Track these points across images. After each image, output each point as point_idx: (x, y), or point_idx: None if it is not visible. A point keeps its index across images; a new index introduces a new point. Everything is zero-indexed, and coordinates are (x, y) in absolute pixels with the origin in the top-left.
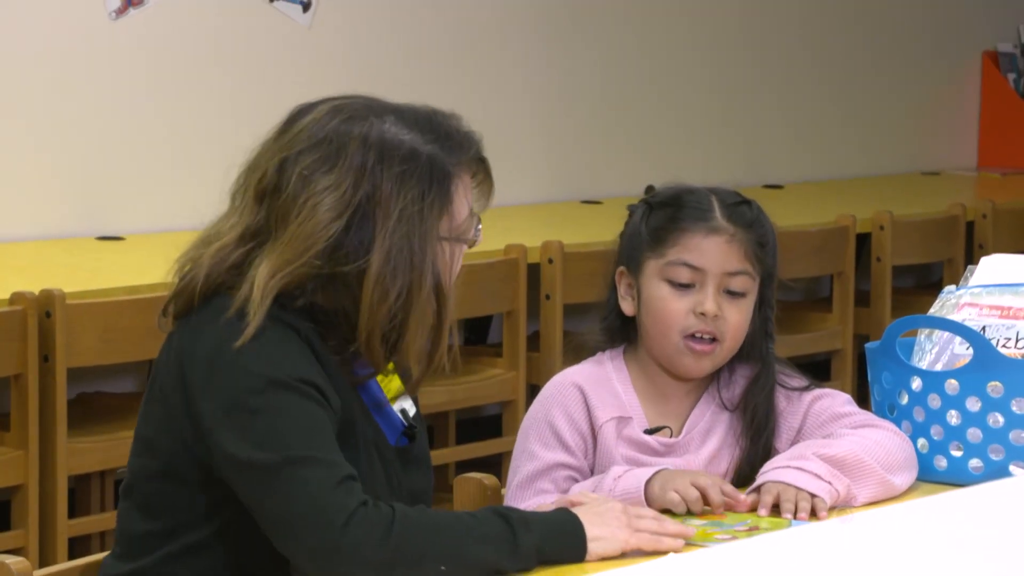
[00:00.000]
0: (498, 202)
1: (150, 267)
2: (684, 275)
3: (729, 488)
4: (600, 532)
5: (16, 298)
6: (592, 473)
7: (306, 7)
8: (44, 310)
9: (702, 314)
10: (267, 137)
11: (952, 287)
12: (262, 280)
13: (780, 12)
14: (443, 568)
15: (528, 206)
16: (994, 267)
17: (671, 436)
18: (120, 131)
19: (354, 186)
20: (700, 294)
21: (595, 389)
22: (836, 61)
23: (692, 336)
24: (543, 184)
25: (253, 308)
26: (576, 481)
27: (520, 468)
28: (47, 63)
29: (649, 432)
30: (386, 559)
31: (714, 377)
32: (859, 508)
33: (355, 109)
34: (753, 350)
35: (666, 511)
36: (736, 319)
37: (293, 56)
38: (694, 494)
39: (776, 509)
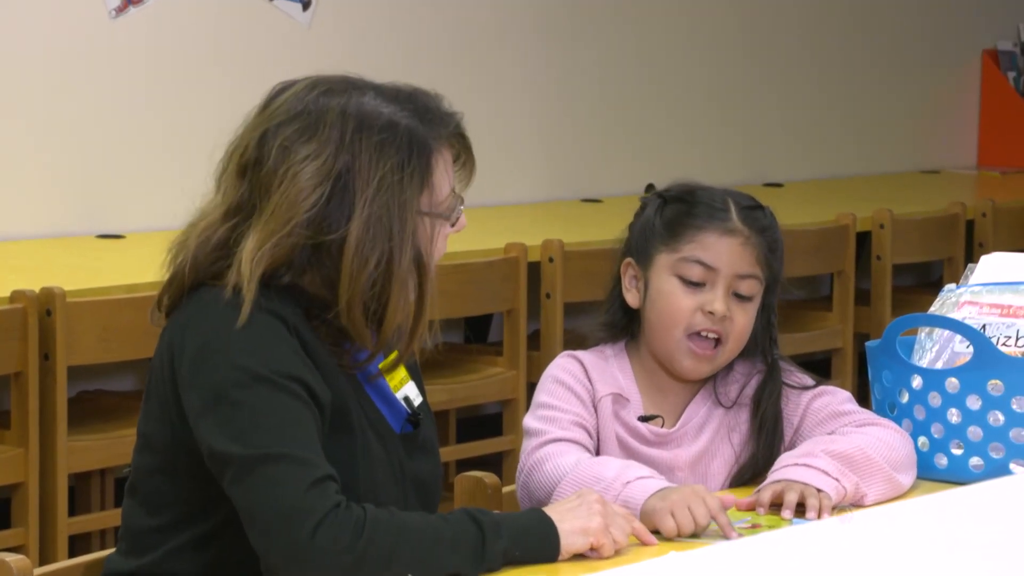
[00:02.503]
0: (498, 201)
1: (150, 265)
2: (696, 273)
3: (723, 519)
4: (572, 527)
5: (16, 296)
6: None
7: (306, 6)
8: (44, 308)
9: (710, 313)
10: (249, 115)
11: (952, 285)
12: (249, 254)
13: (779, 11)
14: (410, 575)
15: (528, 205)
16: (994, 265)
17: (663, 427)
18: (120, 129)
19: (334, 155)
20: (710, 293)
21: (595, 367)
22: (836, 59)
23: (697, 334)
24: (543, 183)
25: (244, 284)
26: (583, 429)
27: (531, 423)
28: (47, 62)
29: (643, 419)
30: (353, 564)
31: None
32: (865, 507)
33: (334, 83)
34: (754, 349)
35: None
36: (742, 322)
37: (293, 55)
38: (688, 526)
39: (776, 508)
